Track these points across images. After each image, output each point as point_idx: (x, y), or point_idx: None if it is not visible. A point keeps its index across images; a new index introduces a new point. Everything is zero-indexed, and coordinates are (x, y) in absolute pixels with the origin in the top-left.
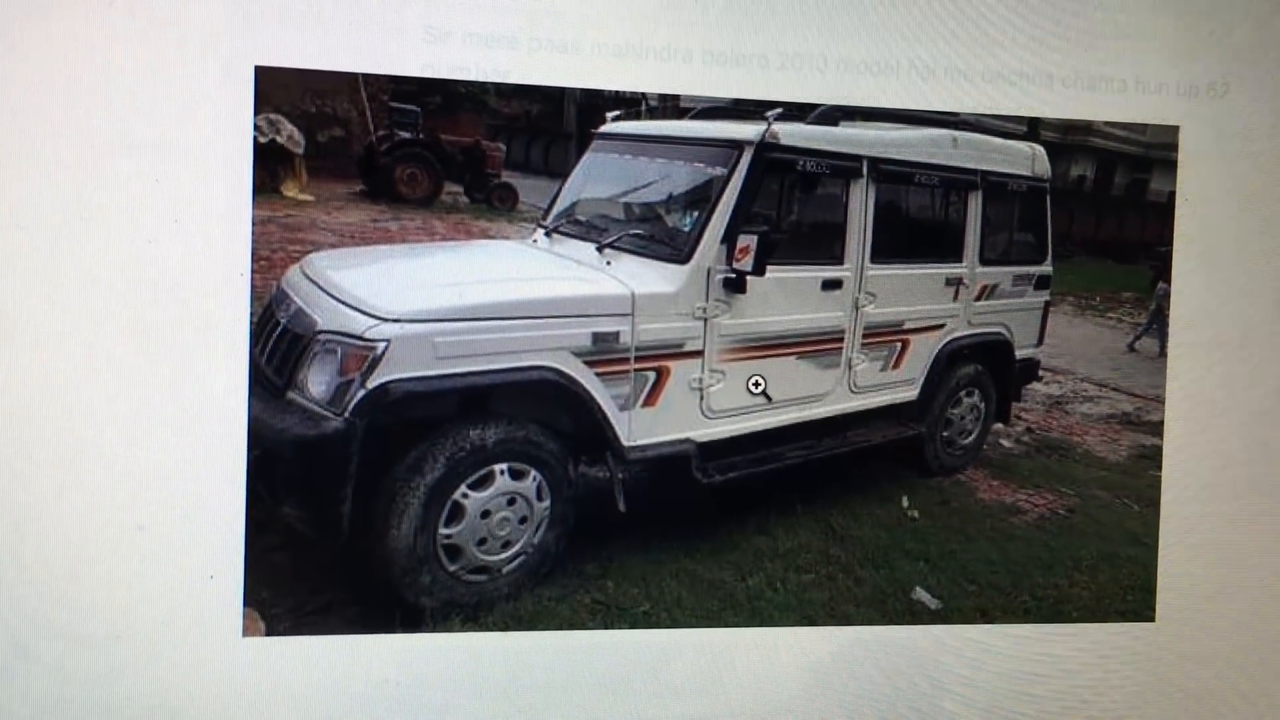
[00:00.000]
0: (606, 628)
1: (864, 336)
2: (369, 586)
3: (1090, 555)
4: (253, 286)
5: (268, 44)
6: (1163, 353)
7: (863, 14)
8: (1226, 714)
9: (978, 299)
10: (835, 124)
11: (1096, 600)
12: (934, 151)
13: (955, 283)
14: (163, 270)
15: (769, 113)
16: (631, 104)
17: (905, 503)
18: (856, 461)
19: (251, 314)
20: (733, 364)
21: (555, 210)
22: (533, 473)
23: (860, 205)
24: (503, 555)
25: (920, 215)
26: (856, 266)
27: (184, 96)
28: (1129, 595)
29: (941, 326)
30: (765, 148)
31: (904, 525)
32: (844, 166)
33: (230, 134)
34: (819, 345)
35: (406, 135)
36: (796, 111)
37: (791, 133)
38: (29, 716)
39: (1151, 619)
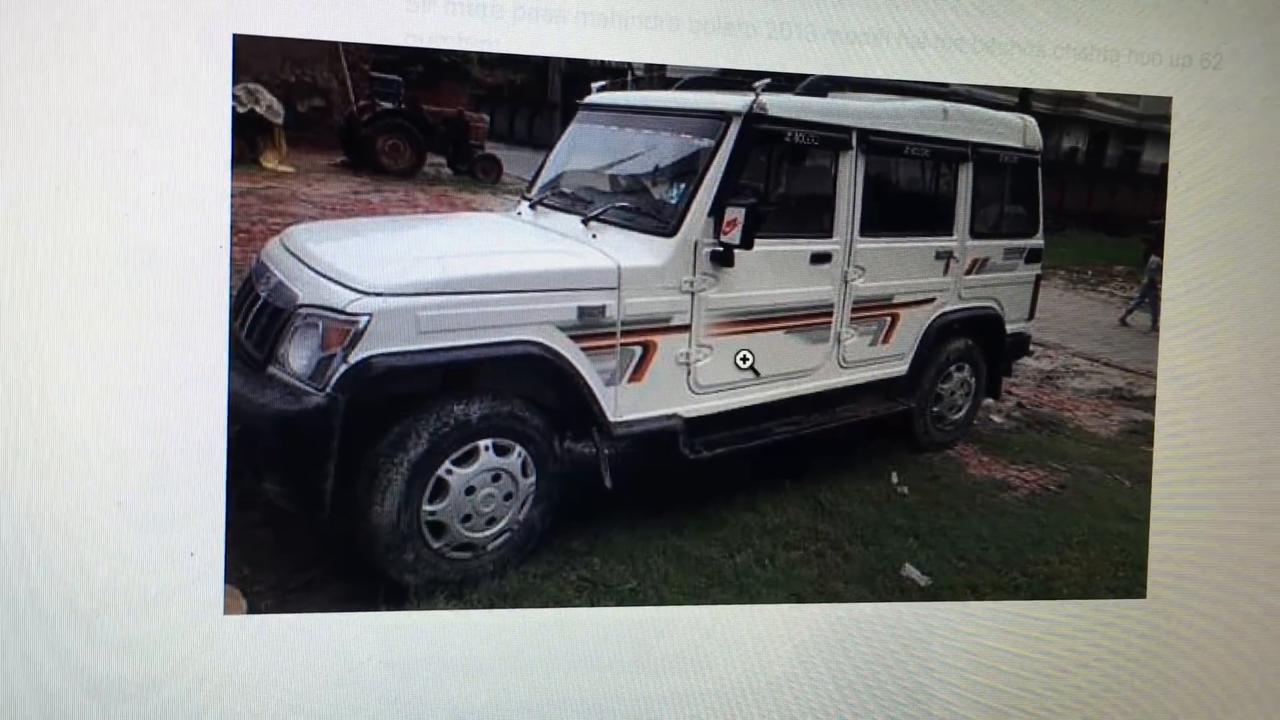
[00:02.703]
0: (593, 605)
1: (853, 310)
2: (352, 564)
3: (1081, 531)
4: (232, 260)
5: (246, 11)
6: (1155, 327)
7: None
8: (1217, 690)
9: (968, 272)
10: (824, 95)
11: (1087, 577)
12: (924, 123)
13: (945, 256)
14: (140, 243)
15: (757, 83)
16: (617, 74)
17: (895, 479)
18: (845, 437)
19: (231, 287)
20: (720, 338)
21: (540, 182)
22: (518, 449)
23: (849, 177)
24: (487, 532)
25: (910, 188)
26: (845, 240)
27: (161, 66)
28: (1120, 571)
29: (931, 300)
30: (753, 119)
31: (893, 501)
32: (833, 138)
33: (208, 104)
34: (807, 319)
35: (388, 105)
36: (785, 82)
37: (780, 104)
38: (8, 693)
39: (1143, 595)
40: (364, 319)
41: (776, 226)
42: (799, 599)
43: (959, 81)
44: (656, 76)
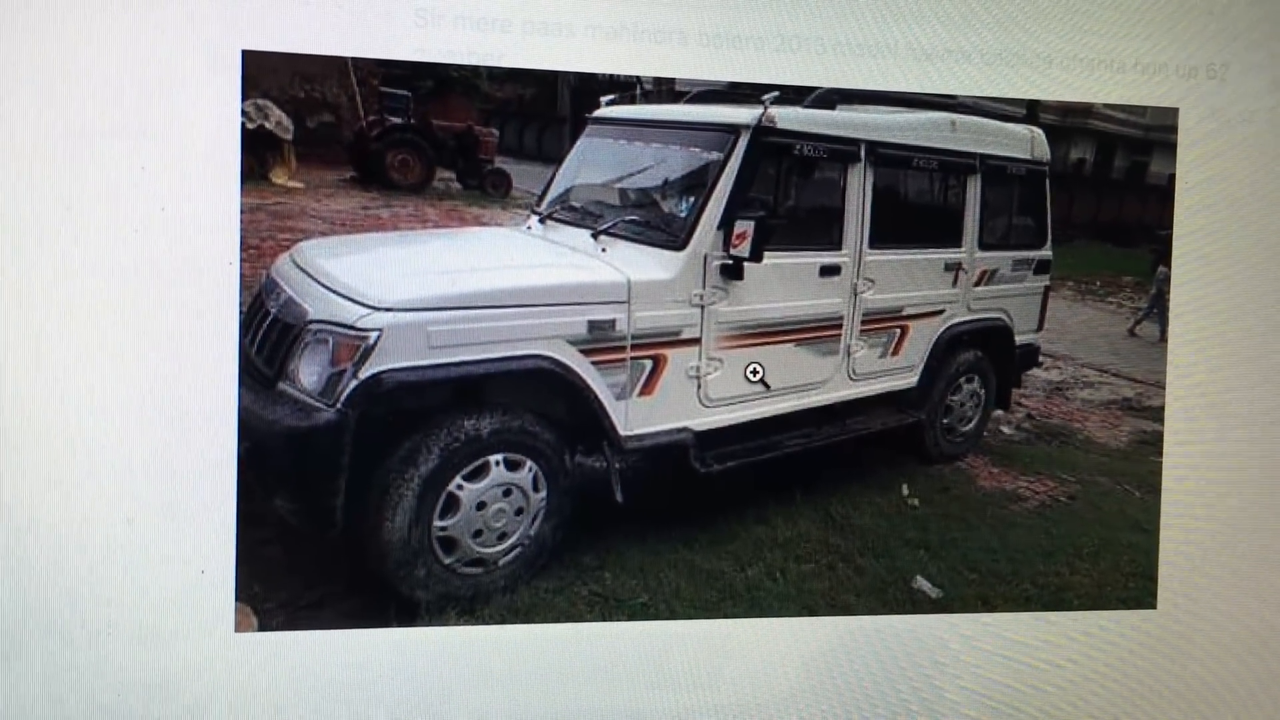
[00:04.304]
0: (604, 620)
1: (863, 323)
2: (363, 580)
3: (1091, 542)
4: (242, 275)
5: (255, 27)
6: (1163, 337)
7: None
8: (1228, 700)
9: (977, 284)
10: (832, 107)
11: (1098, 588)
12: (932, 135)
13: (954, 268)
14: (150, 259)
15: (765, 96)
16: (626, 88)
17: (905, 491)
18: (856, 449)
19: (241, 304)
20: (730, 351)
21: (549, 196)
22: (529, 463)
23: (858, 190)
24: (499, 547)
25: (919, 200)
26: (855, 252)
27: (170, 82)
28: (1130, 582)
29: (941, 312)
30: (762, 132)
31: (904, 513)
32: (841, 150)
33: (217, 120)
34: (817, 332)
35: (397, 120)
36: (793, 95)
37: (788, 116)
38: (19, 711)
39: (1153, 606)
40: (374, 334)
41: (786, 239)
42: (810, 612)
43: (966, 93)
44: (665, 90)
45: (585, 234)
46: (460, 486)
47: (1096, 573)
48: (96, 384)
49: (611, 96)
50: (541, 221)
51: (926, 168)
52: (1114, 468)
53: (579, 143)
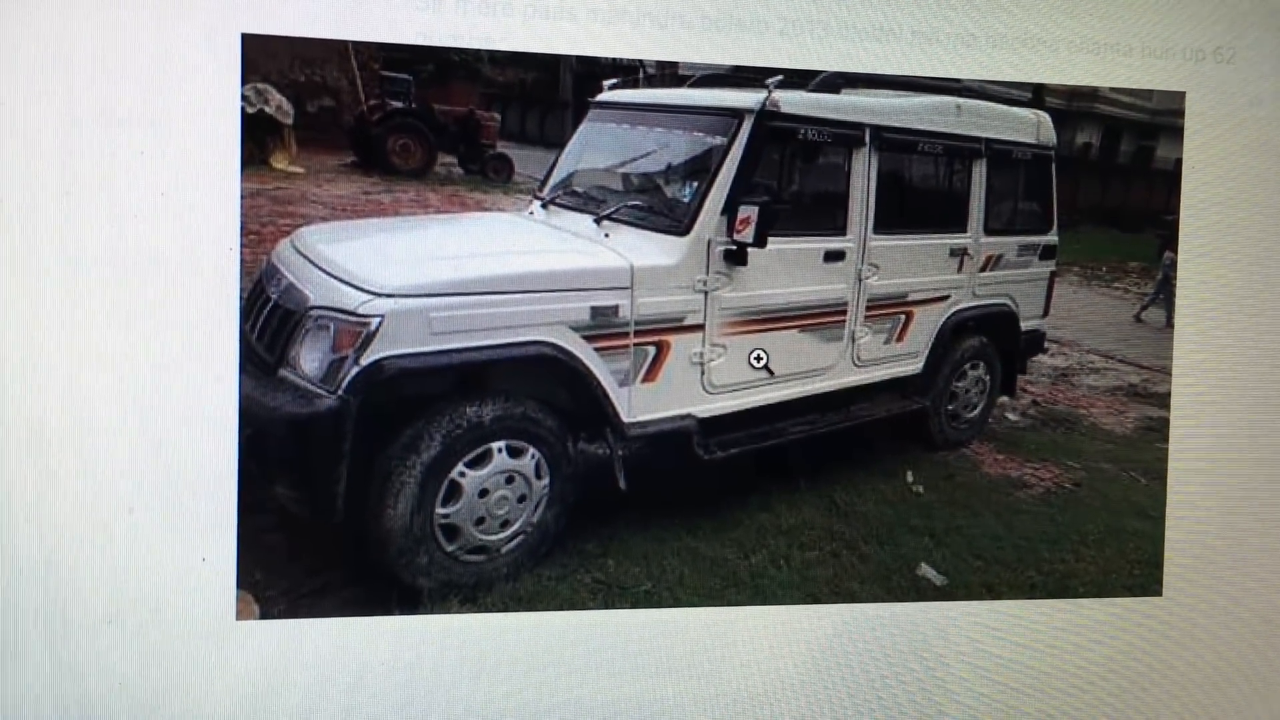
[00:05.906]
0: (608, 607)
1: (867, 309)
2: (365, 568)
3: (1097, 529)
4: (242, 261)
5: (255, 11)
6: (1169, 323)
7: None
8: (1233, 688)
9: (982, 270)
10: (837, 91)
11: (1103, 575)
12: (937, 119)
13: (959, 253)
14: (149, 245)
15: (769, 80)
16: (629, 72)
17: (910, 478)
18: (860, 436)
19: (241, 289)
20: (734, 338)
21: (552, 181)
22: (531, 450)
23: (863, 174)
24: (501, 535)
25: (924, 184)
26: (859, 237)
27: (169, 66)
28: (1136, 570)
29: (946, 298)
30: (766, 116)
31: (909, 501)
32: (846, 135)
33: (217, 104)
34: (821, 318)
35: (399, 105)
36: (797, 79)
37: (792, 100)
38: (20, 702)
39: (1159, 593)
40: (375, 320)
41: (790, 224)
42: (814, 599)
43: (972, 77)
44: (668, 74)
45: (588, 219)
46: (462, 474)
47: (1102, 560)
48: (95, 372)
49: (614, 81)
50: (544, 207)
51: (931, 152)
52: (1119, 454)
53: (581, 127)
